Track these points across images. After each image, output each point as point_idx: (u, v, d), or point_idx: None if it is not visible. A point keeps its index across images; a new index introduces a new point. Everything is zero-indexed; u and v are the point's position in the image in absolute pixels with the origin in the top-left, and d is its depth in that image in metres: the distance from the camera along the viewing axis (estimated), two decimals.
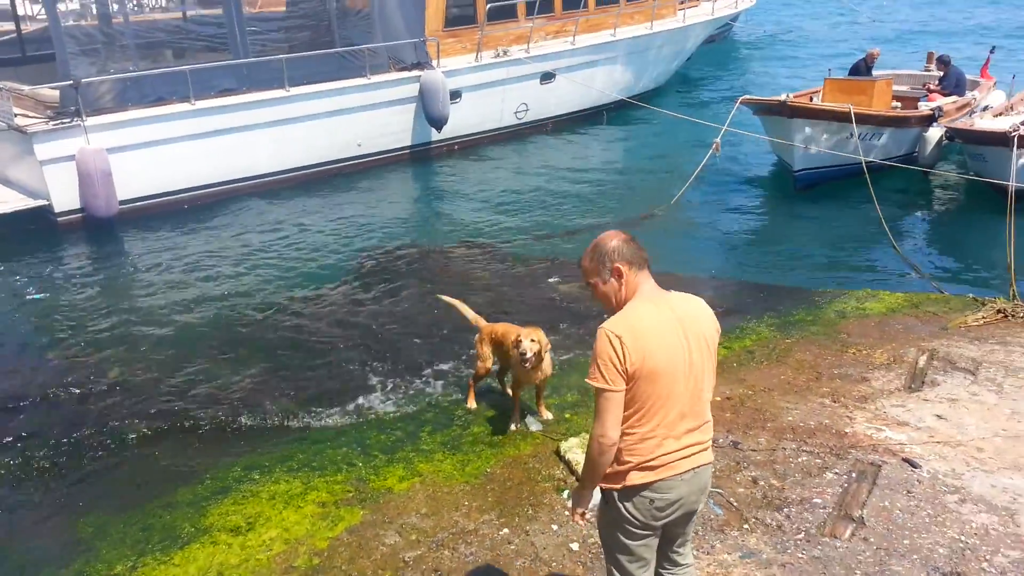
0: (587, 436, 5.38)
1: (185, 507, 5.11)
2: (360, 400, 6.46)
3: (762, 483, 4.77)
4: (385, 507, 4.95)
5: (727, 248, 9.82)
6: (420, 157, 14.17)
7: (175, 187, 11.53)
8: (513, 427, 5.78)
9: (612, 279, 2.98)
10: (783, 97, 10.81)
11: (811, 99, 12.21)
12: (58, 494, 5.40)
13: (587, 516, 3.16)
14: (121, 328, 8.06)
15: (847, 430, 5.29)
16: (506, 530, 4.62)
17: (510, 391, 5.98)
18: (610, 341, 2.83)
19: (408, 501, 4.98)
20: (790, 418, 5.49)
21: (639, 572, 3.12)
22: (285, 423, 6.21)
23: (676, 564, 3.24)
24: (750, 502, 4.62)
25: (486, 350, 6.02)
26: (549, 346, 5.57)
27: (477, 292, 8.54)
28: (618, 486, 2.97)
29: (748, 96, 11.34)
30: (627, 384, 2.85)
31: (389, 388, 6.66)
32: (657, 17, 17.34)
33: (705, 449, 3.03)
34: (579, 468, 5.02)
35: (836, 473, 4.79)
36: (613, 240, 3.01)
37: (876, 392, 5.79)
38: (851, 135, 10.64)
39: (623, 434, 2.91)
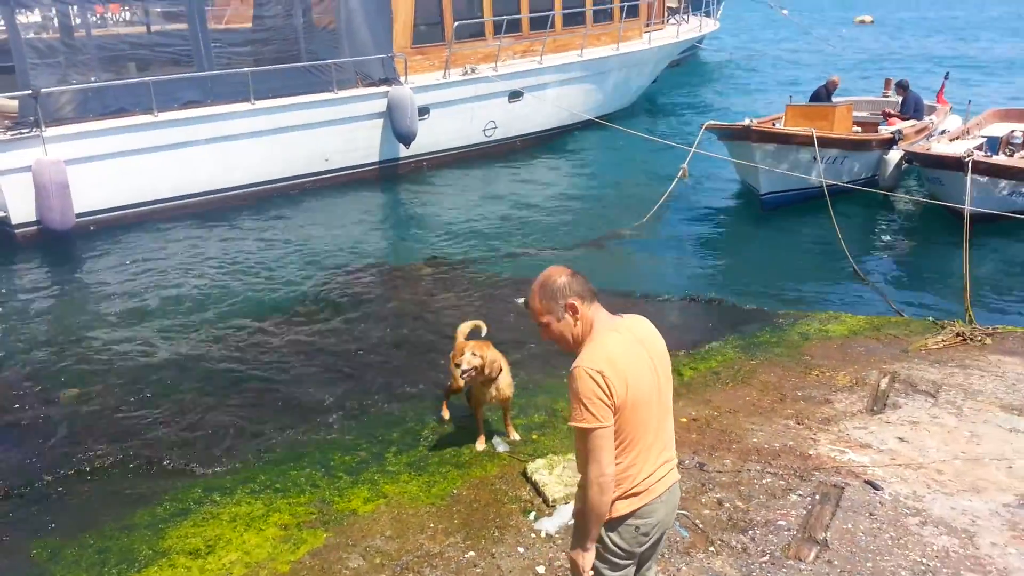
0: (553, 456, 5.39)
1: (143, 529, 4.97)
2: (324, 420, 6.37)
3: (727, 505, 4.79)
4: (349, 529, 4.87)
5: (694, 270, 9.91)
6: (388, 173, 14.12)
7: (135, 200, 11.35)
8: (479, 447, 5.74)
9: (567, 316, 2.90)
10: (747, 122, 10.99)
11: (773, 124, 12.43)
12: (11, 516, 5.22)
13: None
14: (75, 347, 7.87)
15: (811, 452, 5.34)
16: (472, 553, 4.56)
17: (474, 411, 5.96)
18: (592, 378, 2.76)
19: (373, 523, 4.91)
20: (755, 440, 5.53)
21: None
22: (246, 444, 6.08)
23: None
24: (715, 524, 4.63)
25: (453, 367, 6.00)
26: (501, 366, 5.52)
27: (443, 311, 8.52)
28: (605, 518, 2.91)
29: (713, 122, 11.52)
30: (614, 414, 2.78)
31: (354, 409, 6.56)
32: (623, 39, 17.57)
33: (674, 466, 3.06)
34: (546, 489, 5.01)
35: (800, 495, 4.83)
36: (561, 276, 2.92)
37: (839, 414, 5.87)
38: (814, 159, 10.84)
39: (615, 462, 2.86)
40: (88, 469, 5.77)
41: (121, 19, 18.34)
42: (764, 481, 5.00)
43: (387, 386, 6.93)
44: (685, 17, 21.75)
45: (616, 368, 2.78)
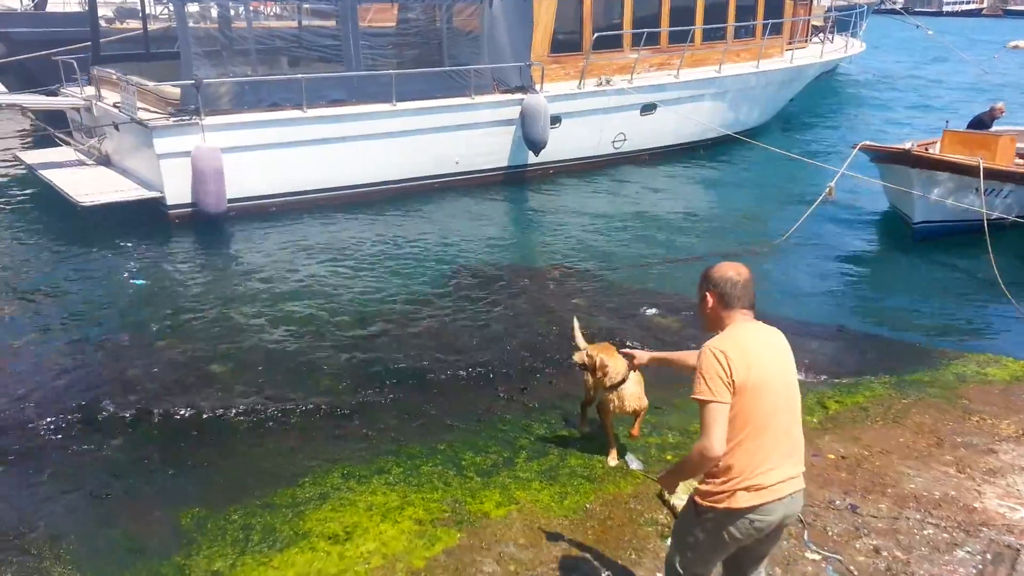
0: (692, 482, 5.20)
1: (284, 509, 5.10)
2: (453, 419, 6.38)
3: (885, 554, 4.48)
4: (482, 532, 4.84)
5: (836, 295, 9.43)
6: (515, 179, 14.18)
7: (282, 190, 11.82)
8: (611, 462, 5.61)
9: (702, 300, 3.30)
10: (907, 145, 10.41)
11: (927, 149, 11.74)
12: (161, 484, 5.47)
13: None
14: (221, 322, 8.20)
15: (976, 505, 4.94)
16: (608, 572, 4.45)
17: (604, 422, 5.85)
18: (715, 355, 3.06)
19: (506, 529, 4.86)
20: (912, 485, 5.17)
21: (705, 573, 3.36)
22: (380, 435, 6.16)
23: None
24: (872, 573, 4.34)
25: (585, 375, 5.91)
26: (623, 374, 5.33)
27: (571, 317, 8.40)
28: (721, 506, 3.10)
29: (868, 142, 10.94)
30: (733, 397, 3.01)
31: (482, 410, 6.56)
32: (764, 56, 17.05)
33: (801, 475, 3.20)
34: None
35: (968, 552, 4.47)
36: (721, 271, 3.26)
37: (1006, 466, 5.42)
38: (976, 189, 10.16)
39: (734, 454, 3.06)
40: (232, 444, 5.99)
41: (272, 14, 19.23)
42: (925, 532, 4.66)
43: (516, 390, 6.90)
44: (830, 36, 20.93)
45: (739, 351, 3.05)
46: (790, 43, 18.61)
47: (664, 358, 4.25)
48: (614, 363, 5.35)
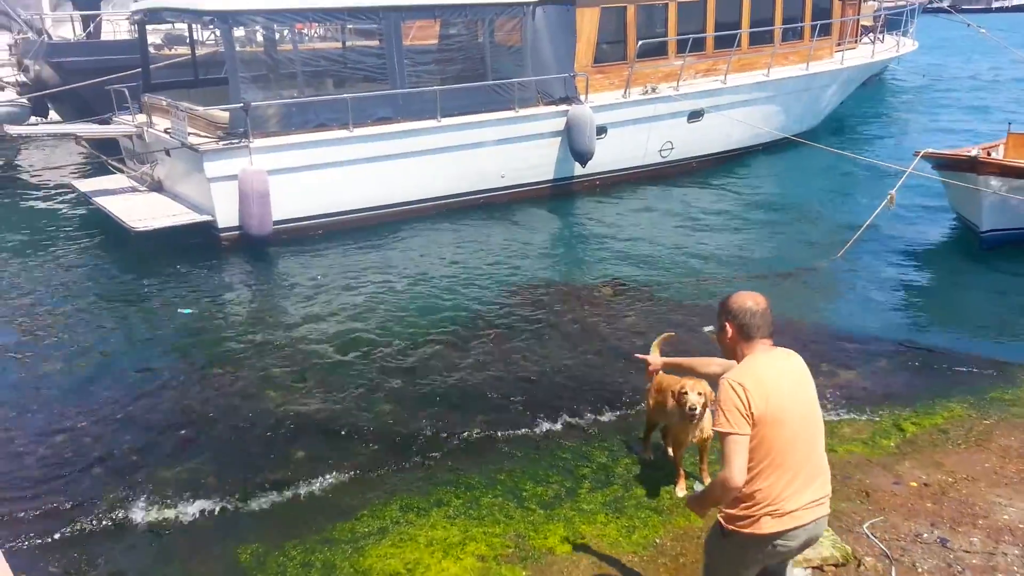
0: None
1: (343, 544, 4.99)
2: (510, 447, 6.21)
3: None
4: (548, 570, 4.67)
5: (903, 309, 9.02)
6: (561, 192, 14.02)
7: (328, 210, 11.82)
8: (679, 492, 5.39)
9: (721, 330, 3.36)
10: (972, 152, 9.97)
11: (989, 153, 11.25)
12: (217, 518, 5.40)
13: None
14: (271, 349, 8.14)
15: None
16: None
17: (671, 451, 5.63)
18: (733, 388, 3.15)
19: (573, 567, 4.68)
20: (1006, 517, 4.85)
21: None
22: (437, 463, 6.02)
23: None
24: None
25: (650, 401, 5.69)
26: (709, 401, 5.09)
27: (627, 337, 8.20)
28: (747, 531, 3.20)
29: (931, 150, 10.51)
30: (752, 428, 3.11)
31: (541, 436, 6.38)
32: (813, 58, 16.65)
33: (826, 501, 3.28)
34: None
35: None
36: (738, 301, 3.33)
37: None
38: None
39: (757, 481, 3.15)
40: (288, 476, 5.88)
41: (315, 35, 19.42)
42: None
43: (574, 414, 6.69)
44: (880, 36, 20.37)
45: (757, 383, 3.14)
46: (839, 44, 18.16)
47: (678, 364, 4.33)
48: (709, 391, 5.00)
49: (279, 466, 6.01)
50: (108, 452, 6.22)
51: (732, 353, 3.36)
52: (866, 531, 4.76)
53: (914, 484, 5.27)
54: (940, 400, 6.62)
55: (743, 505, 3.20)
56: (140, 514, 5.42)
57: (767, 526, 3.16)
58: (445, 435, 6.41)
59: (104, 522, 5.35)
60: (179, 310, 9.22)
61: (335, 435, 6.43)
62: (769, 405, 3.10)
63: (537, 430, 6.44)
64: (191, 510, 5.47)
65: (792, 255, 10.73)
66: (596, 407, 6.78)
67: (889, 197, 9.92)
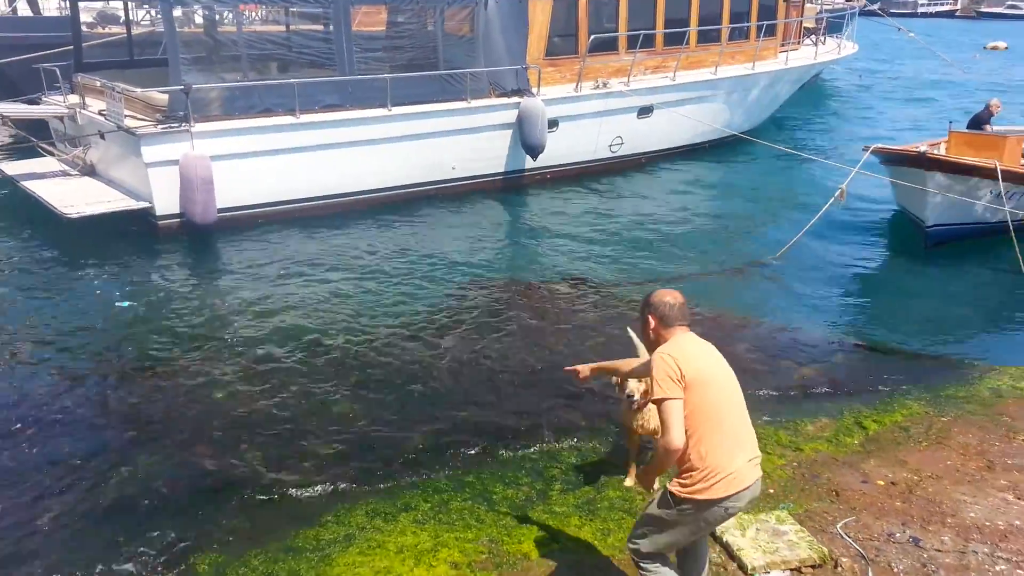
0: (742, 515, 4.91)
1: (309, 553, 4.75)
2: (475, 446, 6.04)
3: None
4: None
5: (852, 307, 9.21)
6: (512, 185, 13.88)
7: (274, 199, 11.41)
8: (627, 483, 5.36)
9: (645, 324, 3.73)
10: (921, 148, 10.23)
11: (932, 151, 11.59)
12: (172, 525, 5.08)
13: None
14: (217, 345, 7.77)
15: None
16: None
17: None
18: (663, 359, 3.50)
19: (548, 572, 4.55)
20: (972, 514, 4.93)
21: (670, 552, 3.75)
22: (401, 466, 5.81)
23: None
24: None
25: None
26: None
27: (588, 334, 8.12)
28: (700, 497, 3.43)
29: (880, 145, 10.74)
30: (685, 392, 3.41)
31: (504, 436, 6.22)
32: (759, 58, 16.89)
33: (759, 462, 3.59)
34: (742, 555, 4.54)
35: None
36: (666, 297, 3.72)
37: None
38: (991, 192, 9.99)
39: (701, 446, 3.43)
40: (241, 480, 5.60)
41: (256, 17, 18.72)
42: (998, 568, 4.41)
43: (536, 412, 6.58)
44: (822, 39, 20.83)
45: (684, 353, 3.51)
46: (783, 45, 18.48)
47: (604, 367, 4.71)
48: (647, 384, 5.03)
49: (232, 471, 5.72)
50: (45, 457, 5.81)
51: (655, 343, 3.68)
52: (840, 531, 4.77)
53: (881, 483, 5.33)
54: (898, 398, 6.74)
55: (693, 472, 3.45)
56: (83, 521, 5.06)
57: (719, 490, 3.42)
58: (406, 436, 6.21)
59: (44, 533, 4.98)
60: (116, 303, 8.73)
61: (289, 437, 6.16)
62: (697, 370, 3.45)
63: (502, 431, 6.29)
64: (141, 516, 5.15)
65: (741, 250, 10.85)
66: (561, 406, 6.67)
67: (840, 191, 10.11)
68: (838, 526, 4.84)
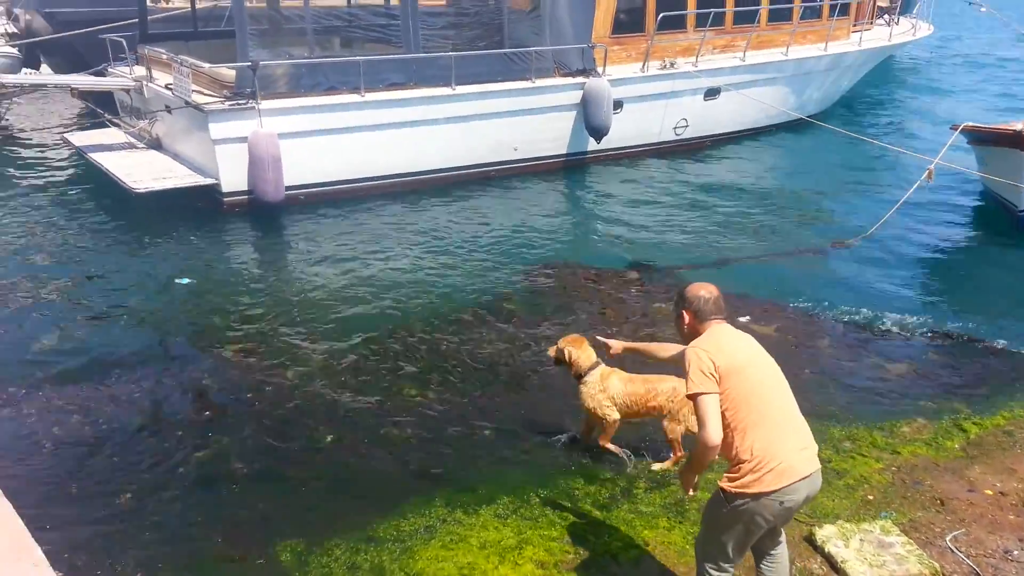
0: (845, 524, 4.65)
1: (390, 544, 4.64)
2: (553, 440, 5.84)
3: None
4: None
5: (941, 296, 8.68)
6: (574, 166, 13.59)
7: (339, 177, 11.32)
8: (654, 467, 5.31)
9: (679, 318, 3.70)
10: (1018, 127, 9.66)
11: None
12: (252, 506, 5.01)
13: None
14: (287, 323, 7.70)
15: None
16: None
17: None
18: (695, 353, 3.43)
19: None
20: None
21: (737, 559, 3.57)
22: (477, 454, 5.66)
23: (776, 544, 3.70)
24: None
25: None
26: (585, 368, 5.32)
27: (660, 324, 7.86)
28: (752, 490, 3.32)
29: (970, 124, 10.19)
30: (720, 384, 3.33)
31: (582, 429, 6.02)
32: (832, 39, 16.26)
33: (815, 453, 3.44)
34: (847, 567, 4.29)
35: None
36: (701, 291, 3.64)
37: None
38: None
39: (747, 438, 3.33)
40: (321, 464, 5.51)
41: None
42: None
43: None
44: (895, 18, 20.00)
45: (717, 346, 3.43)
46: (856, 25, 17.79)
47: (637, 348, 4.65)
48: (580, 356, 5.35)
49: (309, 454, 5.63)
50: (123, 437, 5.78)
51: (690, 337, 3.62)
52: (950, 545, 4.49)
53: (990, 492, 5.02)
54: (998, 398, 6.38)
55: (742, 465, 3.35)
56: (165, 507, 5.01)
57: (771, 482, 3.29)
58: (481, 424, 6.04)
59: (124, 514, 4.94)
60: (178, 280, 8.69)
61: (361, 421, 6.04)
62: (732, 361, 3.37)
63: (577, 421, 6.09)
64: (217, 500, 5.09)
65: (817, 235, 10.42)
66: None
67: (928, 172, 9.61)
68: (947, 539, 4.56)
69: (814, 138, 15.53)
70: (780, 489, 3.30)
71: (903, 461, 5.43)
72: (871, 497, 4.98)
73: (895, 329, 7.73)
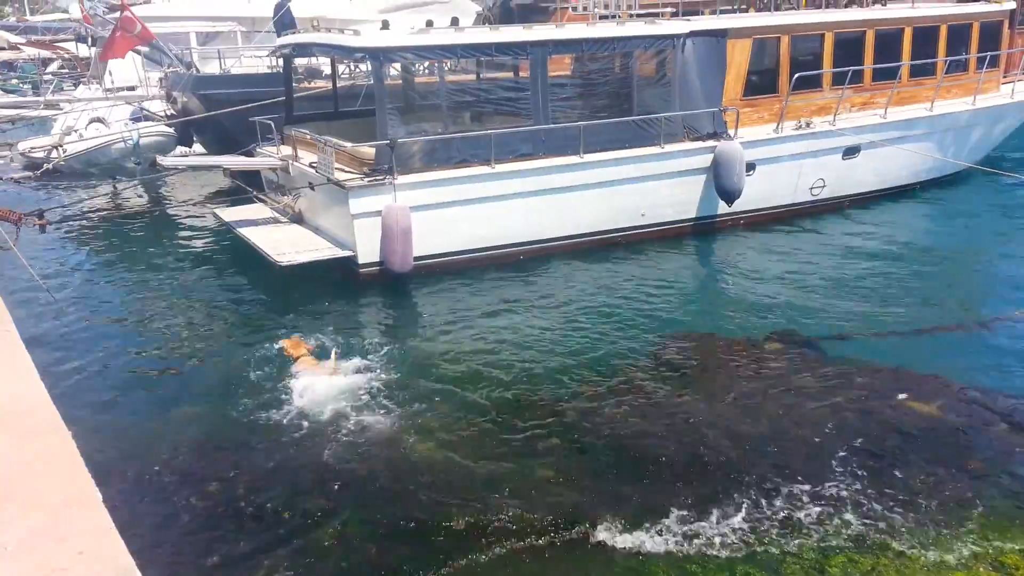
0: None
1: None
2: (696, 527, 5.53)
3: None
4: None
5: None
6: (704, 230, 13.26)
7: (466, 247, 11.51)
8: None
9: None
10: None
11: None
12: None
13: None
14: (410, 391, 7.73)
15: None
16: None
17: None
18: None
19: None
20: None
21: None
22: (614, 543, 5.42)
23: None
24: None
25: None
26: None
27: (805, 403, 7.37)
28: None
29: None
30: None
31: (755, 515, 5.67)
32: (980, 92, 15.33)
33: None
34: None
35: None
36: None
37: None
38: None
39: None
40: (442, 540, 5.41)
41: (447, 67, 19.24)
42: None
43: (778, 488, 5.96)
44: None
45: None
46: (1006, 76, 16.74)
47: None
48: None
49: (435, 531, 5.56)
50: (258, 513, 5.89)
51: None
52: None
53: None
54: None
55: None
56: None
57: None
58: (616, 503, 5.78)
59: None
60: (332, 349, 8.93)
61: (488, 497, 5.92)
62: None
63: (749, 506, 5.74)
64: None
65: (984, 302, 9.62)
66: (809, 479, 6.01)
67: None
68: None
69: (962, 194, 14.58)
70: None
71: None
72: None
73: None
